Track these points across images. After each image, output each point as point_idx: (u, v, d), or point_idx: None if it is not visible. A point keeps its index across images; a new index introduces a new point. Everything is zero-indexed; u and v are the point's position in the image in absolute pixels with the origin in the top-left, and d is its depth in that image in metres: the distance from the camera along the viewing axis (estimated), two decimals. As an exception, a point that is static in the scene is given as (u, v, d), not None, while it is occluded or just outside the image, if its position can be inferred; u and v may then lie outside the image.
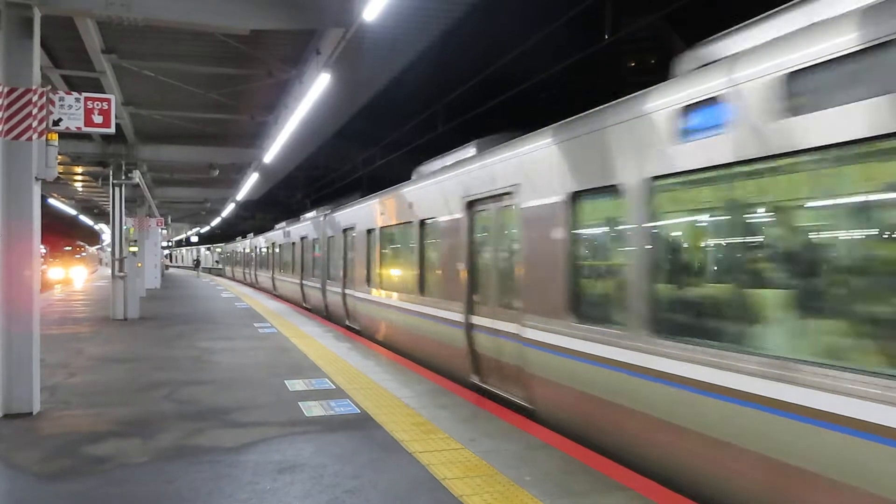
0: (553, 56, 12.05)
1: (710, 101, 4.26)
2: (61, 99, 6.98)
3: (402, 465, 4.87)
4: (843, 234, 3.68)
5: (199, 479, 4.59)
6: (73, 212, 39.12)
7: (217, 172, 19.28)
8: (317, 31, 9.60)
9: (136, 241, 23.45)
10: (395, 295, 11.02)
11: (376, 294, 12.22)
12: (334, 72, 9.67)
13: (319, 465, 4.86)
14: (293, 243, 22.60)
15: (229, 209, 35.25)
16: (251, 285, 34.96)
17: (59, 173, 20.29)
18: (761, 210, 4.20)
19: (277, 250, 26.14)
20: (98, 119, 7.64)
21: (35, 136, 6.57)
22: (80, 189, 28.11)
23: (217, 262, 74.67)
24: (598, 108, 5.72)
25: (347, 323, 14.75)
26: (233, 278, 46.43)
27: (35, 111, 6.60)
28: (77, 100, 7.05)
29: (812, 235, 3.84)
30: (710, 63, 4.58)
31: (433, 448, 5.27)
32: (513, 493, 4.33)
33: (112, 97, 7.32)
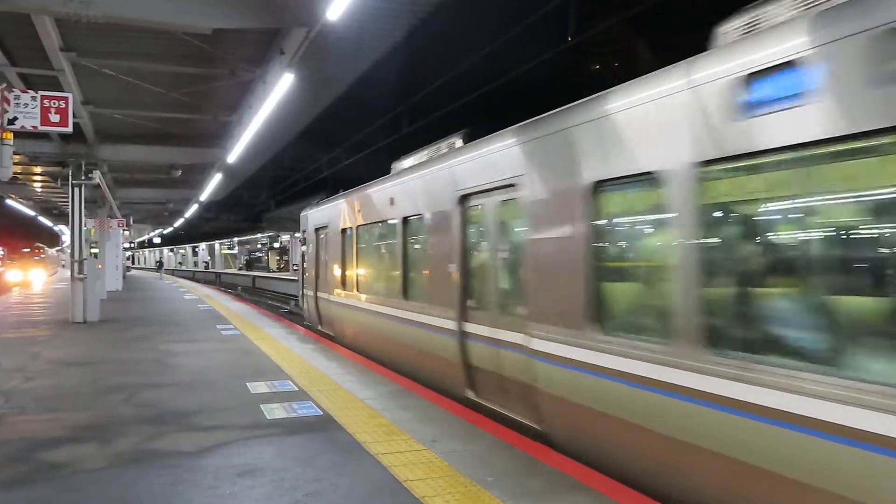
0: (518, 58, 12.16)
1: None
2: (17, 97, 6.85)
3: (364, 467, 4.87)
4: None
5: (158, 485, 4.53)
6: (31, 213, 38.20)
7: (179, 173, 19.02)
8: (280, 31, 9.54)
9: (96, 242, 23.03)
10: None
11: None
12: (298, 72, 9.62)
13: (280, 469, 4.83)
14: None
15: (193, 210, 34.74)
16: None
17: (17, 173, 19.80)
18: None
19: None
20: (55, 118, 7.51)
21: (-12, 136, 6.43)
22: (39, 190, 27.46)
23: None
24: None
25: None
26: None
27: (-12, 110, 6.45)
28: (33, 98, 6.93)
29: None
30: None
31: (396, 449, 5.28)
32: (475, 493, 4.36)
33: (70, 96, 7.21)
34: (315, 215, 14.39)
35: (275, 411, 6.56)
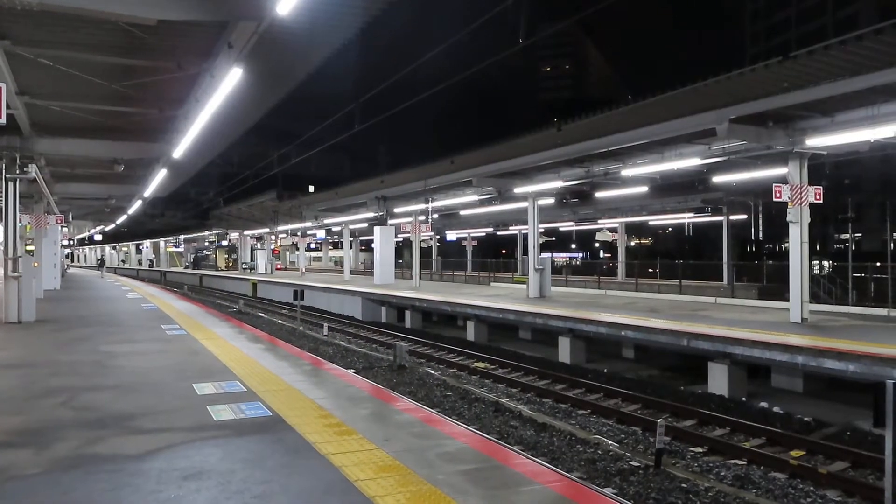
0: (472, 57, 12.19)
1: None
2: (-56, 86, 6.50)
3: (313, 468, 4.79)
4: None
5: (98, 490, 4.36)
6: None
7: (122, 168, 18.41)
8: (229, 24, 9.31)
9: (32, 239, 22.15)
10: None
11: None
12: (247, 66, 9.41)
13: (227, 471, 4.71)
14: None
15: (136, 206, 33.73)
16: None
17: (-55, 166, 18.84)
18: None
19: None
20: (-13, 108, 7.15)
21: (-86, 126, 6.09)
22: (-30, 183, 26.24)
23: None
24: None
25: None
26: None
27: (-86, 98, 6.11)
28: (-37, 87, 6.58)
29: None
30: None
31: (346, 449, 5.22)
32: (426, 491, 4.34)
33: (3, 86, 6.89)
34: None
35: (222, 413, 6.40)
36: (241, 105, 12.08)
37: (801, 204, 13.61)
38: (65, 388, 7.63)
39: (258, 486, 4.41)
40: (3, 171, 14.87)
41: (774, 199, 13.83)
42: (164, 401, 6.94)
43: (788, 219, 13.81)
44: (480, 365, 15.58)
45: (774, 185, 13.73)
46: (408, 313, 23.94)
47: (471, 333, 19.89)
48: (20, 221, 15.49)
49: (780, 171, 14.96)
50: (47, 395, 7.22)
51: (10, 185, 14.89)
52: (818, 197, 13.79)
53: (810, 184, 13.74)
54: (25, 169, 15.03)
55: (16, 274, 14.62)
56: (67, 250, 71.99)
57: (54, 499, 4.23)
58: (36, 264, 17.73)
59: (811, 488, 7.72)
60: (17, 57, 10.55)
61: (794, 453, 8.88)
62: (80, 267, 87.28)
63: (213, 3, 8.12)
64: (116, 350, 10.51)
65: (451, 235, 50.61)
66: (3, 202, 15.04)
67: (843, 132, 12.36)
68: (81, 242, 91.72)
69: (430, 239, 49.22)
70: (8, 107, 9.41)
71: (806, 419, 10.37)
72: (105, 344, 11.22)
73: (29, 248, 20.49)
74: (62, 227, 30.09)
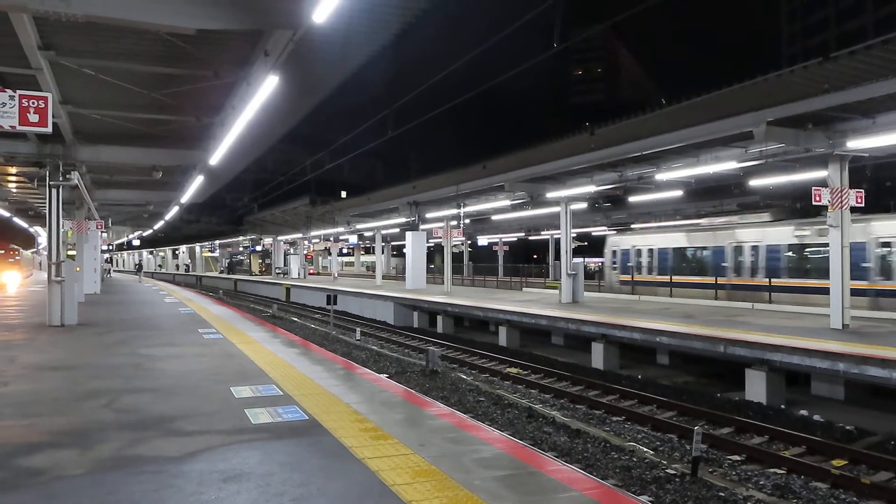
0: (505, 62, 12.20)
1: None
2: (-6, 96, 6.71)
3: (350, 472, 4.83)
4: None
5: (141, 491, 4.45)
6: (6, 214, 37.54)
7: (160, 174, 18.77)
8: (265, 33, 9.46)
9: (73, 244, 22.70)
10: None
11: None
12: (283, 74, 9.54)
13: (266, 474, 4.78)
14: None
15: (173, 212, 34.37)
16: None
17: (-8, 174, 19.46)
18: None
19: None
20: (34, 118, 7.37)
21: (-34, 135, 6.30)
22: (14, 190, 26.97)
23: None
24: None
25: None
26: None
27: (-34, 109, 6.32)
28: (11, 97, 6.80)
29: None
30: None
31: (382, 454, 5.24)
32: (462, 497, 4.34)
33: (49, 95, 7.09)
34: None
35: (259, 416, 6.49)
36: (276, 112, 12.24)
37: (841, 207, 13.31)
38: (107, 390, 7.80)
39: (297, 489, 4.46)
40: (47, 177, 15.27)
41: (814, 203, 13.54)
42: (203, 403, 7.05)
43: (828, 223, 13.52)
44: (513, 370, 15.53)
45: (814, 188, 13.44)
46: (440, 318, 23.97)
47: (503, 339, 19.84)
48: (62, 227, 15.87)
49: (819, 173, 14.65)
50: (90, 397, 7.39)
51: (54, 191, 15.28)
52: (859, 200, 13.47)
53: (851, 186, 13.44)
54: (68, 176, 15.42)
55: (59, 278, 15.00)
56: (107, 255, 73.65)
57: (99, 499, 4.33)
58: (77, 269, 18.17)
59: (854, 499, 7.53)
60: (60, 67, 10.85)
61: (835, 462, 8.68)
62: (119, 271, 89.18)
63: (250, 13, 8.25)
64: (155, 353, 10.71)
65: (483, 240, 50.57)
66: (47, 208, 15.44)
67: (885, 134, 12.07)
68: (120, 247, 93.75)
69: (462, 244, 49.24)
70: (52, 116, 9.68)
71: (848, 428, 10.13)
72: (144, 347, 11.44)
73: (71, 253, 20.99)
74: (102, 232, 30.78)
